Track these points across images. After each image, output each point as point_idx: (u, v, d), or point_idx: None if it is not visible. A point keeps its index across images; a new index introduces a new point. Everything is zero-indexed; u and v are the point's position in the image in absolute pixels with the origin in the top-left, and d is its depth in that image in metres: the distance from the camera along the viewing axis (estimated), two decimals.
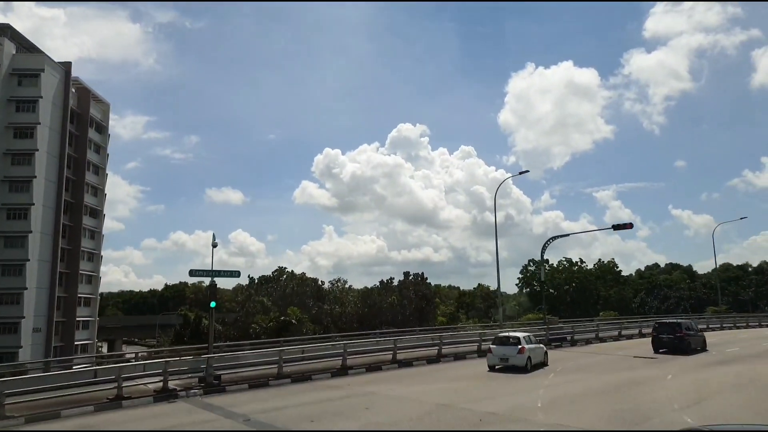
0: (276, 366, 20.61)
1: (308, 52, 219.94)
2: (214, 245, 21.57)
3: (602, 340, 36.48)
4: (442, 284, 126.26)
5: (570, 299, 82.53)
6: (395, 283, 57.32)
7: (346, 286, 68.05)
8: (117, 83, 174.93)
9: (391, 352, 25.16)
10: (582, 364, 24.71)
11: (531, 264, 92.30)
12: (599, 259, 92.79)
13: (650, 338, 30.07)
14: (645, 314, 76.11)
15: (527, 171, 34.87)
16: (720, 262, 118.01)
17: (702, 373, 20.98)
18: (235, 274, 22.09)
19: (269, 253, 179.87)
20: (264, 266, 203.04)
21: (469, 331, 36.52)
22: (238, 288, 65.16)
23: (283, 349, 21.94)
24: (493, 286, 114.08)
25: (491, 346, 23.33)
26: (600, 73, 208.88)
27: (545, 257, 36.78)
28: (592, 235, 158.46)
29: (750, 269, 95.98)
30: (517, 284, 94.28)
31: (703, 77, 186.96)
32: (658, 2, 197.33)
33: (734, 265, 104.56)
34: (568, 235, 35.28)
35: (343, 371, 22.41)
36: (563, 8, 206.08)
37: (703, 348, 29.85)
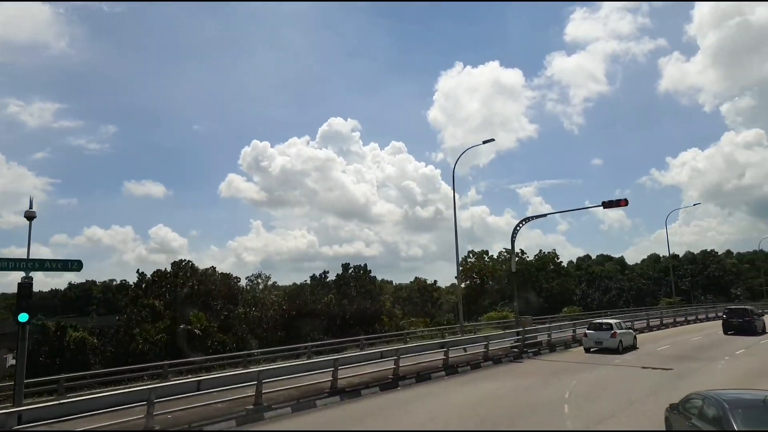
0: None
1: (238, 43, 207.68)
2: (30, 217, 12.82)
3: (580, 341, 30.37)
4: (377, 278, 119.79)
5: (511, 292, 77.60)
6: (332, 278, 48.50)
7: (270, 283, 57.43)
8: (23, 67, 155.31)
9: (330, 377, 17.33)
10: (607, 379, 17.96)
11: (471, 255, 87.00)
12: (540, 250, 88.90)
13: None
14: (591, 308, 72.62)
15: (492, 140, 30.87)
16: (630, 254, 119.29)
17: None
18: (73, 265, 13.52)
19: (192, 249, 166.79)
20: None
21: (425, 342, 29.28)
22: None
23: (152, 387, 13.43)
24: (429, 280, 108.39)
25: (586, 331, 27.54)
26: (525, 74, 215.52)
27: (515, 248, 30.05)
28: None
29: (681, 258, 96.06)
30: (456, 276, 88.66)
31: (618, 81, 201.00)
32: (578, 8, 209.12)
33: (661, 256, 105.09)
34: (545, 215, 28.75)
35: (256, 413, 14.38)
36: (491, 10, 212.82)
37: (764, 330, 34.02)
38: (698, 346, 27.92)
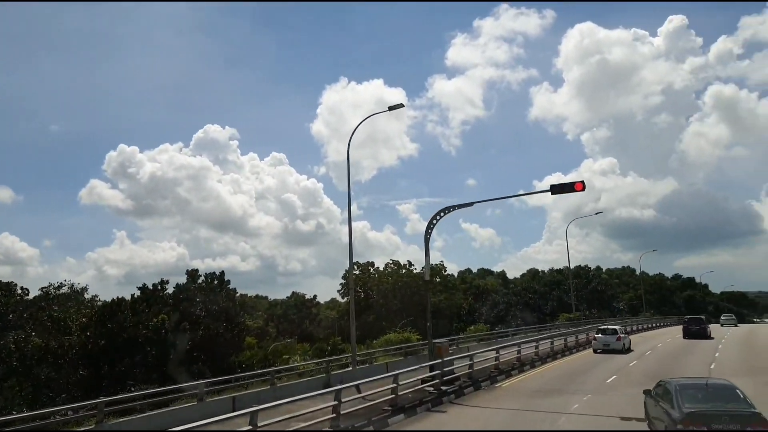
0: None
1: (105, 38, 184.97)
2: None
3: (508, 374, 23.65)
4: (249, 293, 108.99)
5: (399, 307, 71.33)
6: (169, 290, 34.97)
7: (89, 296, 42.95)
8: None
9: None
10: None
11: (355, 267, 79.57)
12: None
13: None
14: (481, 323, 68.31)
15: (402, 105, 25.91)
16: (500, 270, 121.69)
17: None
18: None
19: (45, 261, 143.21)
20: (38, 276, 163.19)
21: (304, 380, 20.72)
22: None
23: None
24: (309, 294, 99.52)
25: (595, 335, 33.59)
26: (407, 94, 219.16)
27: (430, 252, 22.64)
28: (395, 243, 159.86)
29: (564, 272, 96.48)
30: (339, 291, 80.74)
31: (493, 107, 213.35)
32: (459, 34, 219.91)
33: (540, 270, 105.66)
34: (471, 204, 21.61)
35: None
36: (377, 28, 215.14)
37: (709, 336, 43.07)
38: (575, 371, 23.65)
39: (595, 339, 32.91)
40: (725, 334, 46.77)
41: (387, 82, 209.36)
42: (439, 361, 19.64)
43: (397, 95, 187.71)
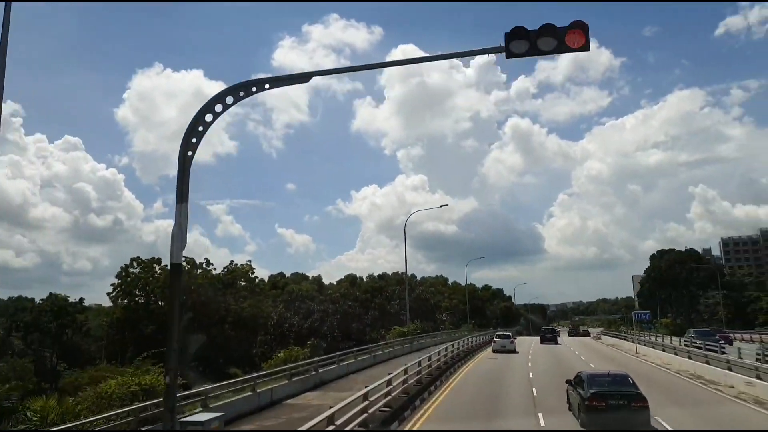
0: None
1: None
2: None
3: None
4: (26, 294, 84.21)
5: (192, 316, 56.06)
6: None
7: None
8: None
9: None
10: None
11: (135, 264, 61.98)
12: (231, 261, 69.50)
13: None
14: (288, 336, 57.27)
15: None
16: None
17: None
18: None
19: None
20: None
21: None
22: None
23: None
24: (73, 297, 78.11)
25: (495, 339, 44.84)
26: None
27: None
28: (204, 245, 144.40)
29: (388, 278, 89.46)
30: (110, 294, 62.35)
31: (318, 114, 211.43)
32: (287, 36, 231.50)
33: (359, 276, 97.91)
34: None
35: None
36: (202, 16, 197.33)
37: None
38: None
39: (494, 342, 43.90)
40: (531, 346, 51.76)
41: (207, 74, 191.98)
42: None
43: (217, 89, 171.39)
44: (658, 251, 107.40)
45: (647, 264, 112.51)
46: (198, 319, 56.53)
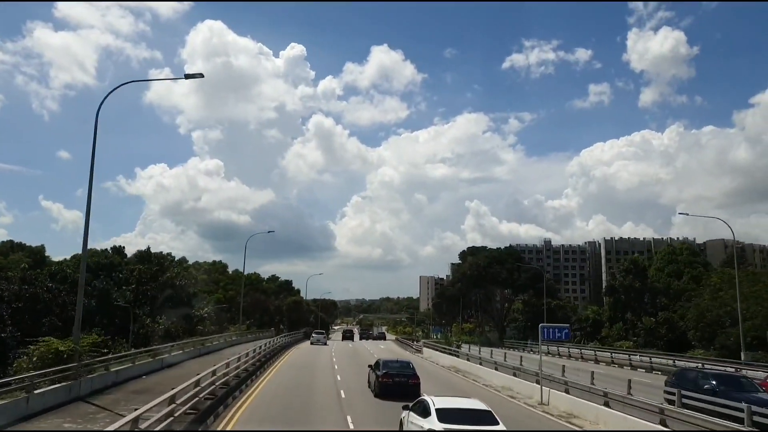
0: None
1: None
2: None
3: None
4: None
5: None
6: None
7: None
8: None
9: None
10: None
11: None
12: None
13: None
14: None
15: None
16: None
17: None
18: None
19: None
20: None
21: None
22: None
23: None
24: None
25: (312, 335, 62.25)
26: None
27: None
28: None
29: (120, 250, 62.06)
30: None
31: (107, 79, 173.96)
32: None
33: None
34: None
35: None
36: None
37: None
38: None
39: (313, 336, 60.90)
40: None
41: None
42: None
43: None
44: (468, 248, 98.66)
45: (427, 267, 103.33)
46: None
